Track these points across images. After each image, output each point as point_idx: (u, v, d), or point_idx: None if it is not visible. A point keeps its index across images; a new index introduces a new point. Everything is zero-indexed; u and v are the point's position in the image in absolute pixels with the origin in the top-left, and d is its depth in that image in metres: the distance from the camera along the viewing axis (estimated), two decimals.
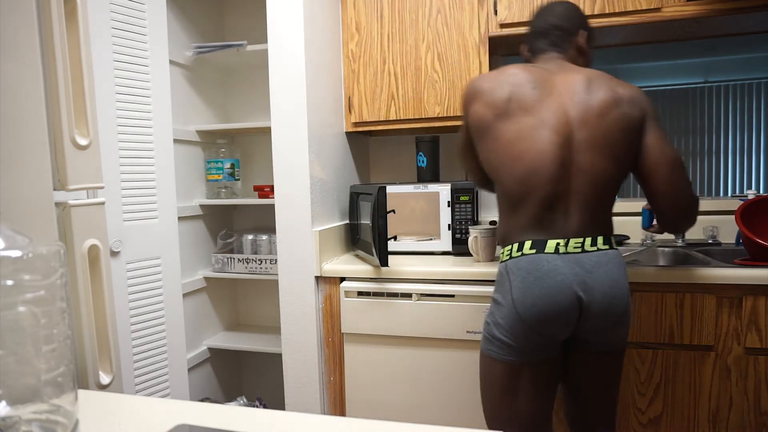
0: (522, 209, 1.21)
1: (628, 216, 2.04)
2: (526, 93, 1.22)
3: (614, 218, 2.05)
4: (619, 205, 2.04)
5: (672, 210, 1.24)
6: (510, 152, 1.21)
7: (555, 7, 1.39)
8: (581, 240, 1.18)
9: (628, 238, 1.98)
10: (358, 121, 1.95)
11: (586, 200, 1.19)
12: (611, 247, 1.20)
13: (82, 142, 0.98)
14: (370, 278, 1.67)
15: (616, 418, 1.32)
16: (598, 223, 1.20)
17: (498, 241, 1.30)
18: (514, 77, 1.24)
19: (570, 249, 1.17)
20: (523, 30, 1.79)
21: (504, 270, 1.21)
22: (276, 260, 2.02)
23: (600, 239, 1.19)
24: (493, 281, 1.56)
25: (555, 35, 1.37)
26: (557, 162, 1.18)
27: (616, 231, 2.05)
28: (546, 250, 1.17)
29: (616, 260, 1.19)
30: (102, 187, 1.03)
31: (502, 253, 1.25)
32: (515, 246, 1.21)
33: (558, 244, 1.17)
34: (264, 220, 2.36)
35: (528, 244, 1.19)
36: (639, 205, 2.03)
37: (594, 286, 1.15)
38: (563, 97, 1.21)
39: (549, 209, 1.19)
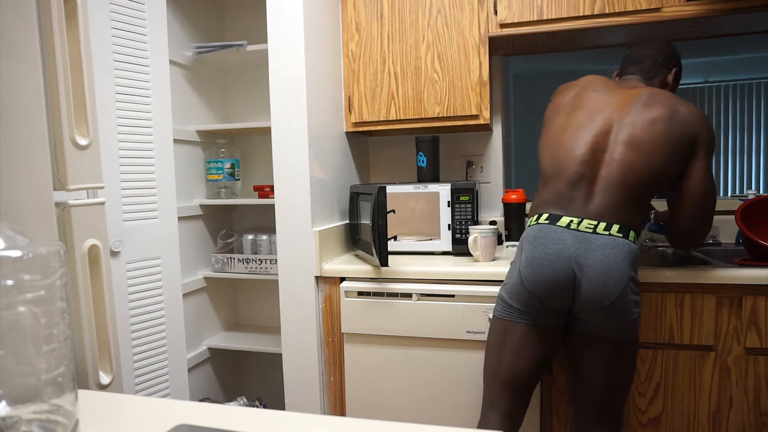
0: (549, 186, 1.33)
1: None
2: (587, 94, 1.37)
3: None
4: None
5: (685, 233, 1.35)
6: (554, 136, 1.37)
7: (658, 42, 1.51)
8: (595, 222, 1.24)
9: None
10: (358, 121, 1.95)
11: (610, 188, 1.26)
12: (625, 237, 1.23)
13: (82, 142, 0.98)
14: (370, 278, 1.67)
15: (620, 421, 1.32)
16: (620, 213, 1.25)
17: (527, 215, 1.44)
18: (586, 82, 1.42)
19: (582, 228, 1.24)
20: (523, 30, 1.79)
21: (521, 238, 1.34)
22: (276, 260, 2.02)
23: (616, 227, 1.24)
24: (493, 281, 1.57)
25: (647, 64, 1.48)
26: (589, 146, 1.29)
27: None
28: (558, 224, 1.26)
29: (623, 249, 1.22)
30: (102, 187, 1.03)
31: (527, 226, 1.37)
32: (534, 218, 1.33)
33: (571, 221, 1.25)
34: (264, 220, 2.36)
35: (545, 216, 1.30)
36: None
37: (590, 263, 1.20)
38: (620, 102, 1.33)
39: (572, 188, 1.28)
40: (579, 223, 1.24)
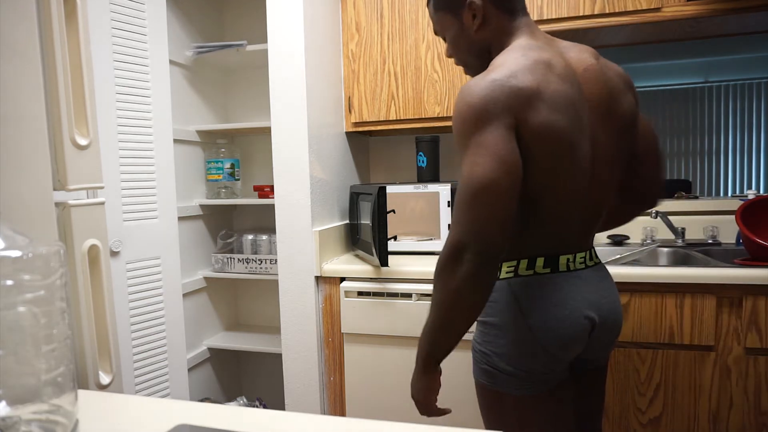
0: (550, 223, 1.01)
1: None
2: (570, 91, 0.95)
3: None
4: None
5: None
6: (569, 169, 0.97)
7: None
8: (584, 254, 1.06)
9: (628, 238, 1.98)
10: (358, 121, 1.95)
11: (598, 216, 1.07)
12: (598, 260, 1.12)
13: (82, 142, 0.98)
14: (370, 278, 1.67)
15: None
16: (592, 236, 1.10)
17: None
18: (553, 71, 0.95)
19: (577, 264, 1.04)
20: None
21: (508, 291, 1.01)
22: (276, 260, 2.02)
23: (593, 251, 1.11)
24: None
25: None
26: (587, 173, 1.00)
27: (617, 231, 2.05)
28: (559, 269, 1.02)
29: (608, 272, 1.12)
30: (102, 187, 1.03)
31: (500, 269, 1.03)
32: (523, 263, 1.01)
33: (568, 260, 1.03)
34: (264, 220, 2.36)
35: (540, 261, 1.01)
36: None
37: (604, 304, 1.05)
38: (589, 94, 1.00)
39: (567, 224, 1.03)
40: (574, 260, 1.04)
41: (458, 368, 1.59)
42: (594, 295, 1.03)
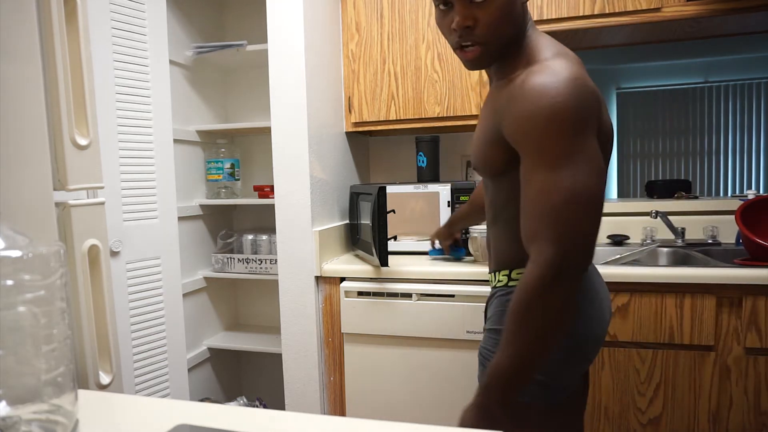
0: None
1: (629, 216, 2.04)
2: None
3: (608, 218, 2.06)
4: (619, 205, 2.04)
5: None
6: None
7: None
8: None
9: (628, 238, 1.98)
10: (358, 121, 1.95)
11: None
12: None
13: (82, 142, 0.98)
14: (370, 278, 1.67)
15: None
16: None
17: (504, 262, 1.01)
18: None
19: None
20: None
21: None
22: (276, 260, 2.02)
23: None
24: None
25: None
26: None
27: (617, 231, 2.05)
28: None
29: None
30: (102, 187, 1.03)
31: (520, 273, 0.94)
32: None
33: None
34: (264, 220, 2.36)
35: None
36: (639, 205, 2.03)
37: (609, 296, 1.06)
38: None
39: None
40: None
41: (459, 368, 1.59)
42: (605, 286, 1.03)
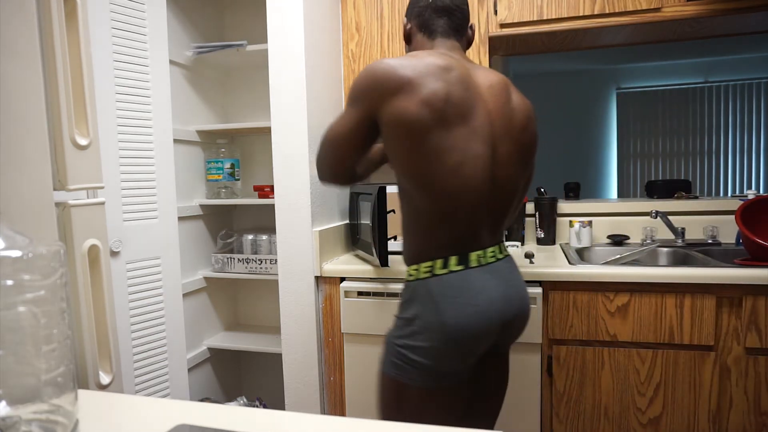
0: (448, 224, 1.09)
1: (628, 216, 2.04)
2: (460, 95, 1.06)
3: (608, 218, 2.06)
4: (619, 205, 2.05)
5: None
6: (446, 164, 1.05)
7: None
8: (495, 248, 1.16)
9: (628, 238, 1.99)
10: None
11: (503, 214, 1.17)
12: (507, 252, 1.22)
13: (82, 142, 0.98)
14: (370, 278, 1.67)
15: None
16: (501, 231, 1.21)
17: (409, 258, 1.16)
18: (447, 73, 1.06)
19: (488, 259, 1.13)
20: (523, 30, 1.79)
21: (424, 289, 1.09)
22: (276, 260, 2.02)
23: (502, 245, 1.21)
24: None
25: (458, 18, 1.19)
26: (488, 177, 1.09)
27: (617, 231, 2.05)
28: (471, 264, 1.10)
29: (515, 263, 1.22)
30: (102, 187, 1.03)
31: (417, 269, 1.12)
32: (438, 262, 1.10)
33: (479, 255, 1.11)
34: (264, 220, 2.36)
35: (453, 259, 1.09)
36: (638, 205, 2.03)
37: (513, 295, 1.14)
38: (489, 104, 1.11)
39: (475, 224, 1.11)
40: (484, 255, 1.12)
41: None
42: (503, 287, 1.12)
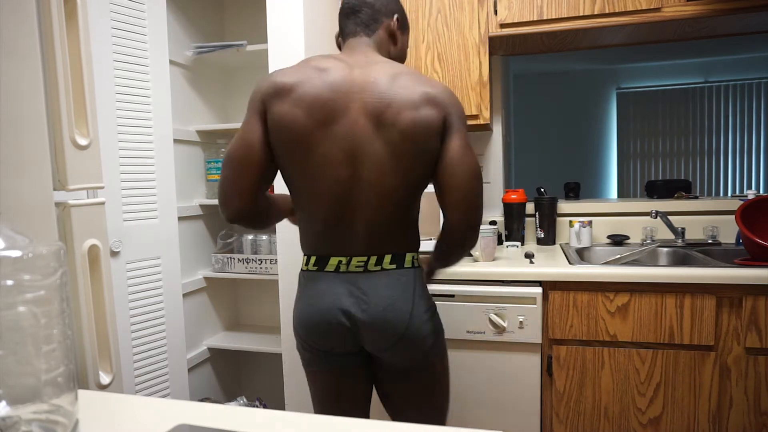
0: (311, 226, 1.13)
1: (628, 216, 2.04)
2: (327, 96, 1.07)
3: (608, 218, 2.05)
4: (619, 205, 2.05)
5: (461, 225, 1.12)
6: (306, 167, 1.08)
7: None
8: (365, 259, 1.12)
9: (628, 238, 1.99)
10: None
11: (374, 217, 1.10)
12: (400, 267, 1.13)
13: (82, 142, 0.98)
14: None
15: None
16: (389, 241, 1.12)
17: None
18: (321, 76, 1.08)
19: (352, 268, 1.11)
20: (523, 30, 1.79)
21: (298, 281, 1.21)
22: (276, 260, 2.02)
23: (387, 258, 1.12)
24: (493, 281, 1.57)
25: (365, 14, 1.21)
26: (343, 176, 1.08)
27: (617, 231, 2.04)
28: (326, 269, 1.13)
29: (401, 280, 1.12)
30: (102, 187, 1.03)
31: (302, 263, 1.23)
32: (304, 259, 1.18)
33: (340, 261, 1.12)
34: None
35: (313, 259, 1.15)
36: (638, 205, 2.03)
37: (367, 308, 1.10)
38: (366, 104, 1.07)
39: (334, 225, 1.11)
40: (348, 263, 1.12)
41: (458, 368, 1.59)
42: (356, 298, 1.11)
